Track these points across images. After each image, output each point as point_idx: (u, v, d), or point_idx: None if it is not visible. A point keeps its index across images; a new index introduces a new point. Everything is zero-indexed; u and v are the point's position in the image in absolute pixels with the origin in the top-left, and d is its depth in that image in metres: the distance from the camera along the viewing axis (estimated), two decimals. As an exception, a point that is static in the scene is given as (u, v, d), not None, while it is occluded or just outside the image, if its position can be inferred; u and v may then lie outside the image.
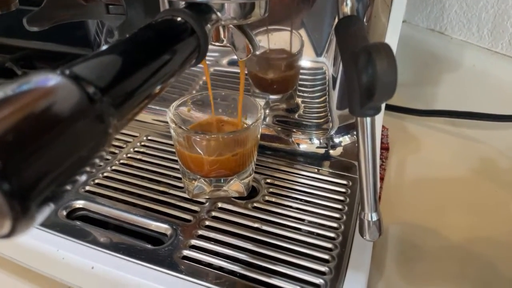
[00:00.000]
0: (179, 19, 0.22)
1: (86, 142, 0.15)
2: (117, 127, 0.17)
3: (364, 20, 0.36)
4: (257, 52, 0.38)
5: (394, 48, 0.39)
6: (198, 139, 0.31)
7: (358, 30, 0.23)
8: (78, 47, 0.73)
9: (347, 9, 0.25)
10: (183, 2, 0.24)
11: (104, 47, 0.18)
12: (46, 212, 0.13)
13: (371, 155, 0.25)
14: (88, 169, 0.15)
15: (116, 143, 0.42)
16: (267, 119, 0.43)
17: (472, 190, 0.47)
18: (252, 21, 0.27)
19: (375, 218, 0.26)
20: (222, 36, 0.28)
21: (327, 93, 0.40)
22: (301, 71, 0.40)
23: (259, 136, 0.34)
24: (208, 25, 0.24)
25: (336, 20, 0.25)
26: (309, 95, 0.41)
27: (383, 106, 0.39)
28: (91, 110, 0.15)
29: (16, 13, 0.36)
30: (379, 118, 0.41)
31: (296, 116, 0.42)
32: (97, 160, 0.16)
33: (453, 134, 0.58)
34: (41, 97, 0.14)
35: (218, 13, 0.25)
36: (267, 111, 0.43)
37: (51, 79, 0.14)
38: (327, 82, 0.39)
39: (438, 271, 0.36)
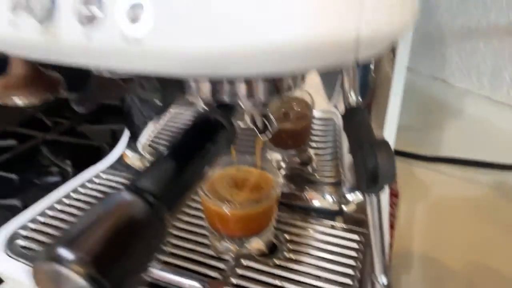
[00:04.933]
0: (211, 117, 0.26)
1: (151, 239, 0.19)
2: (170, 220, 0.21)
3: (371, 67, 0.40)
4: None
5: (400, 95, 0.42)
6: (224, 208, 0.35)
7: (362, 121, 0.27)
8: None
9: (351, 100, 0.29)
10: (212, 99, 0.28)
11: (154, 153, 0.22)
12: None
13: (378, 225, 0.28)
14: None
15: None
16: (282, 173, 0.47)
17: (480, 235, 0.50)
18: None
19: (385, 281, 0.29)
20: (244, 120, 0.32)
21: (338, 144, 0.44)
22: (313, 124, 0.44)
23: (279, 198, 0.38)
24: (235, 119, 0.28)
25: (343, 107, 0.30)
26: (321, 147, 0.45)
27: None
28: (152, 214, 0.19)
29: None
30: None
31: (309, 169, 0.46)
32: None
33: (460, 179, 0.61)
34: (116, 214, 0.18)
35: (243, 106, 0.29)
36: (282, 163, 0.47)
37: (123, 196, 0.19)
38: (337, 132, 0.43)
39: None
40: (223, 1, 0.19)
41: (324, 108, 0.42)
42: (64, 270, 0.15)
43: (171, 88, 0.35)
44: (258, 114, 0.31)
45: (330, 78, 0.40)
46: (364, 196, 0.28)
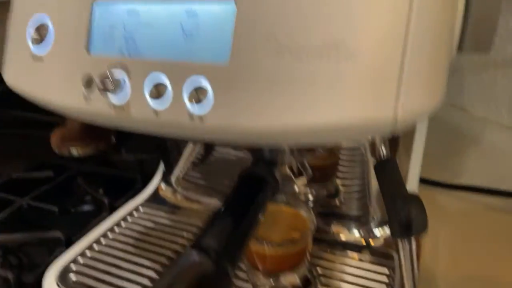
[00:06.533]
0: (256, 173, 0.29)
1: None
2: (233, 271, 0.24)
3: None
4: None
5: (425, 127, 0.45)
6: (261, 248, 0.38)
7: (393, 172, 0.30)
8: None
9: (382, 153, 0.32)
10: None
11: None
12: None
13: (410, 269, 0.31)
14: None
15: (186, 235, 0.49)
16: (310, 205, 0.49)
17: (503, 263, 0.51)
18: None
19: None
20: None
21: (366, 177, 0.46)
22: (341, 156, 0.46)
23: (312, 237, 0.40)
24: (278, 171, 0.31)
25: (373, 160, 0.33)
26: (349, 183, 0.47)
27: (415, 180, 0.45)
28: (218, 269, 0.22)
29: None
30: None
31: (337, 202, 0.49)
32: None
33: (481, 206, 0.62)
34: (189, 269, 0.21)
35: (285, 159, 0.32)
36: (309, 196, 0.50)
37: (192, 257, 0.22)
38: (365, 168, 0.46)
39: None
40: (273, 87, 0.22)
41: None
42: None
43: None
44: (295, 163, 0.34)
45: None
46: (396, 240, 0.30)
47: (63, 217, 0.66)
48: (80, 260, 0.46)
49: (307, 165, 0.36)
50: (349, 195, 0.49)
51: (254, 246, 0.38)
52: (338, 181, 0.49)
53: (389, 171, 0.30)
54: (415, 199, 0.26)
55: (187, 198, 0.56)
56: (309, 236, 0.39)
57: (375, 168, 0.31)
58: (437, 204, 0.64)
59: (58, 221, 0.65)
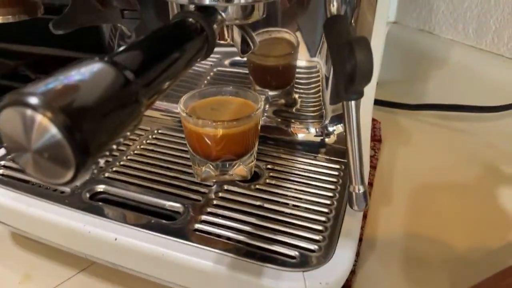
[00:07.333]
0: (190, 19, 0.26)
1: (125, 114, 0.19)
2: (146, 105, 0.21)
3: (352, 20, 0.40)
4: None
5: (381, 45, 0.43)
6: (206, 126, 0.35)
7: (343, 26, 0.27)
8: (90, 52, 0.78)
9: (333, 9, 0.29)
10: (193, 6, 0.28)
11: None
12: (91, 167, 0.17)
13: (356, 136, 0.28)
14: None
15: (131, 136, 0.46)
16: (268, 112, 0.47)
17: (459, 178, 0.51)
18: (252, 21, 0.31)
19: (361, 190, 0.30)
20: (226, 35, 0.32)
21: (321, 89, 0.44)
22: (298, 70, 0.44)
23: (260, 122, 0.38)
24: (215, 25, 0.28)
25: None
26: (305, 92, 0.45)
27: (370, 95, 0.43)
28: (128, 90, 0.19)
29: (29, 21, 0.40)
30: (369, 110, 0.45)
31: (293, 110, 0.46)
32: (130, 130, 0.20)
33: (442, 127, 0.62)
34: (93, 81, 0.18)
35: (223, 14, 0.29)
36: (267, 106, 0.47)
37: (99, 65, 0.18)
38: (320, 80, 0.44)
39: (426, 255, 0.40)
40: None
41: (308, 57, 0.42)
42: (32, 114, 0.15)
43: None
44: (237, 27, 0.31)
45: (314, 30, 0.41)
46: (343, 106, 0.28)
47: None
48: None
49: (254, 36, 0.32)
50: (305, 104, 0.46)
51: (196, 128, 0.35)
52: (295, 95, 0.46)
53: (338, 26, 0.27)
54: (362, 40, 0.23)
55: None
56: (255, 119, 0.36)
57: (324, 24, 0.28)
58: (400, 126, 0.63)
59: None
